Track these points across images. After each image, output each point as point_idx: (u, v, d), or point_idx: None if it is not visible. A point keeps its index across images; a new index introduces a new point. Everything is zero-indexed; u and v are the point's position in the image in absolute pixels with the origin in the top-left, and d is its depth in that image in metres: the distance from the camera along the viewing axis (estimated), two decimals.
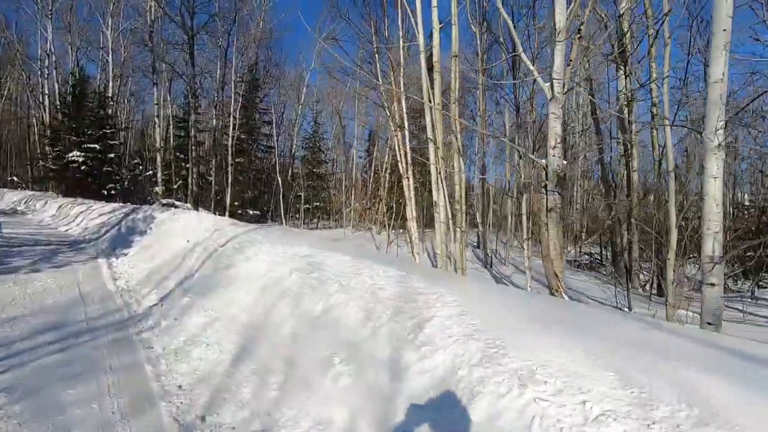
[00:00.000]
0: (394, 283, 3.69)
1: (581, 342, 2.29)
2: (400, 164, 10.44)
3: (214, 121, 22.58)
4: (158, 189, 21.19)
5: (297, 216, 20.13)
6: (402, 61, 10.56)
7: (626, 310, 6.69)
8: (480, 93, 12.00)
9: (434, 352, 2.46)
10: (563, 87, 4.94)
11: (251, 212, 18.31)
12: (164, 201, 20.17)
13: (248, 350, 3.59)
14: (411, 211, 9.96)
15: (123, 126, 26.61)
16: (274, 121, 20.01)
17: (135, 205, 15.16)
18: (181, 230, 9.85)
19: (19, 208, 18.88)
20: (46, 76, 25.41)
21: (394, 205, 22.80)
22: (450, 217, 7.12)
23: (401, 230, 22.27)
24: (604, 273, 11.92)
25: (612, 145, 11.94)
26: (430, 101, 6.87)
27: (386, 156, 22.57)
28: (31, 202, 18.93)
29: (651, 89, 8.63)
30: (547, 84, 5.02)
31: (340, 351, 2.96)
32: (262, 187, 22.55)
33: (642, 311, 6.62)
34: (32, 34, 26.72)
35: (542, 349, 2.24)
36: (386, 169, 24.15)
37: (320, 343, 3.17)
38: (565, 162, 5.03)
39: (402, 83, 10.73)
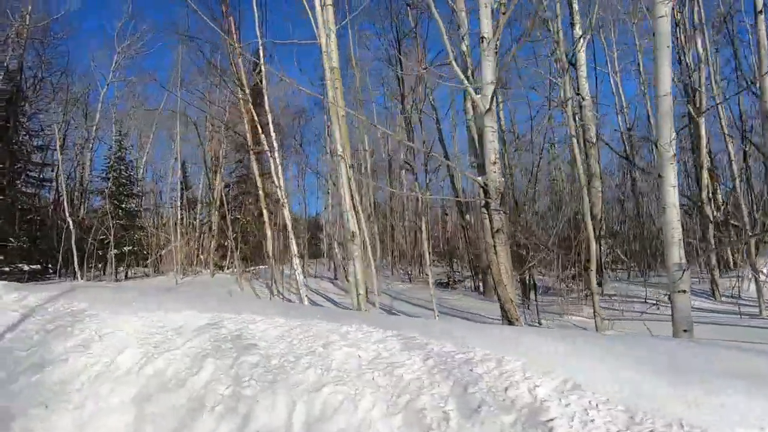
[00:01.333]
0: (401, 350, 2.51)
1: None
2: (279, 190, 8.67)
3: None
4: None
5: (99, 266, 15.34)
6: (264, 69, 8.92)
7: (537, 325, 6.92)
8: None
9: None
10: (494, 99, 4.68)
11: (26, 267, 12.99)
12: None
13: None
14: (293, 246, 8.33)
15: None
16: (57, 145, 14.97)
17: None
18: None
19: None
20: None
21: (230, 243, 20.02)
22: (367, 248, 6.09)
23: (234, 269, 19.67)
24: (464, 288, 12.68)
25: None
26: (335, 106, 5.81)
27: (216, 186, 19.72)
28: None
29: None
30: (479, 96, 4.69)
31: None
32: (36, 233, 16.58)
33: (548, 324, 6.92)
34: None
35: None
36: (216, 201, 21.15)
37: None
38: (503, 179, 4.74)
39: (267, 96, 9.04)
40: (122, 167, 16.98)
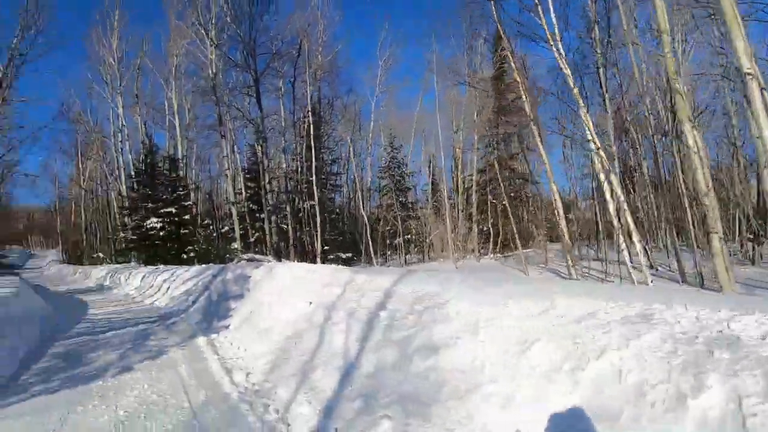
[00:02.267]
0: None
1: None
2: (597, 155, 7.54)
3: (284, 165, 21.35)
4: (236, 245, 19.95)
5: (386, 253, 17.75)
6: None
7: None
8: None
9: None
10: None
11: (343, 255, 16.23)
12: (245, 256, 18.73)
13: None
14: (628, 222, 7.03)
15: (193, 187, 26.21)
16: (351, 153, 18.27)
17: (220, 265, 13.51)
18: (290, 289, 7.66)
19: (105, 284, 18.18)
20: (120, 150, 25.92)
21: (490, 228, 19.93)
22: None
23: (500, 254, 19.26)
24: None
25: None
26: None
27: (474, 172, 19.98)
28: (115, 276, 18.18)
29: None
30: None
31: None
32: (342, 228, 20.58)
33: None
34: (105, 112, 27.76)
35: None
36: (470, 186, 21.46)
37: None
38: None
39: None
40: (395, 165, 19.15)
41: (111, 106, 25.60)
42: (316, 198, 15.06)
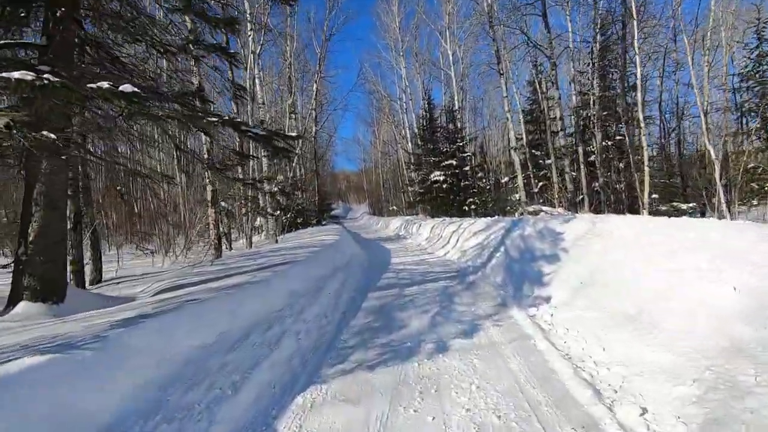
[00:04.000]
0: None
1: None
2: None
3: (574, 99, 17.55)
4: (519, 195, 17.93)
5: (747, 202, 11.72)
6: None
7: None
8: None
9: None
10: None
11: (683, 206, 11.68)
12: (529, 208, 16.57)
13: None
14: None
15: (468, 138, 25.68)
16: (691, 63, 12.68)
17: (511, 218, 11.71)
18: (650, 254, 4.89)
19: (400, 233, 19.82)
20: (405, 110, 27.94)
21: None
22: None
23: None
24: None
25: None
26: None
27: None
28: (407, 226, 19.53)
29: None
30: None
31: None
32: (669, 170, 15.32)
33: None
34: (391, 78, 30.41)
35: None
36: None
37: None
38: None
39: None
40: (761, 69, 12.28)
41: (395, 69, 27.65)
42: (642, 130, 10.97)
